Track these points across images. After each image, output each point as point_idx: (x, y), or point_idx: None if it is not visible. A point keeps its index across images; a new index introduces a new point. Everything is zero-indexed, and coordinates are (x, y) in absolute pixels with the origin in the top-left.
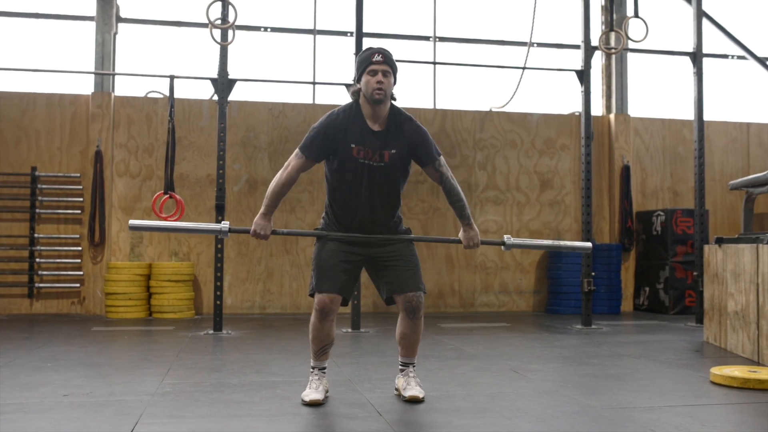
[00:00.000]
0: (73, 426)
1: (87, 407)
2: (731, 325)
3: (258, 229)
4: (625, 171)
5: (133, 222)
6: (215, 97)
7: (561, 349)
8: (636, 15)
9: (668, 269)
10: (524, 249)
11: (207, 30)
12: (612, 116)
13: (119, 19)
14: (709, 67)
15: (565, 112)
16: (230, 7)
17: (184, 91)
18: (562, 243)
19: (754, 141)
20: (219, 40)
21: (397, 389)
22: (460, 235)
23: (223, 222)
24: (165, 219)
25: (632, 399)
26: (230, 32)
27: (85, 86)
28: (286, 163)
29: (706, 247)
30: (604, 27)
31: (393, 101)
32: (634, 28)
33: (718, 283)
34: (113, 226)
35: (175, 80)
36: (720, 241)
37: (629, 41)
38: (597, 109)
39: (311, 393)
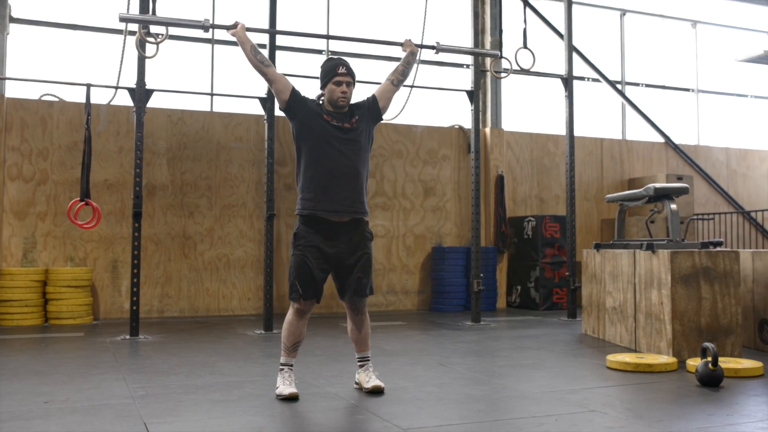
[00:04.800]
0: (87, 429)
1: (81, 412)
2: (609, 319)
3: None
4: (500, 180)
5: (122, 14)
6: (132, 103)
7: (468, 344)
8: (525, 46)
9: (538, 269)
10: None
11: (98, 34)
12: (488, 130)
13: (12, 20)
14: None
15: (446, 125)
16: None
17: (79, 95)
18: (478, 50)
19: (607, 154)
20: (144, 52)
21: (357, 383)
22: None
23: (205, 17)
24: (81, 226)
25: (555, 384)
26: (154, 46)
27: None
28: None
29: (584, 251)
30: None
31: None
32: (523, 57)
33: (596, 283)
34: (5, 231)
35: (66, 85)
36: (598, 247)
37: (517, 67)
38: None
39: (287, 388)
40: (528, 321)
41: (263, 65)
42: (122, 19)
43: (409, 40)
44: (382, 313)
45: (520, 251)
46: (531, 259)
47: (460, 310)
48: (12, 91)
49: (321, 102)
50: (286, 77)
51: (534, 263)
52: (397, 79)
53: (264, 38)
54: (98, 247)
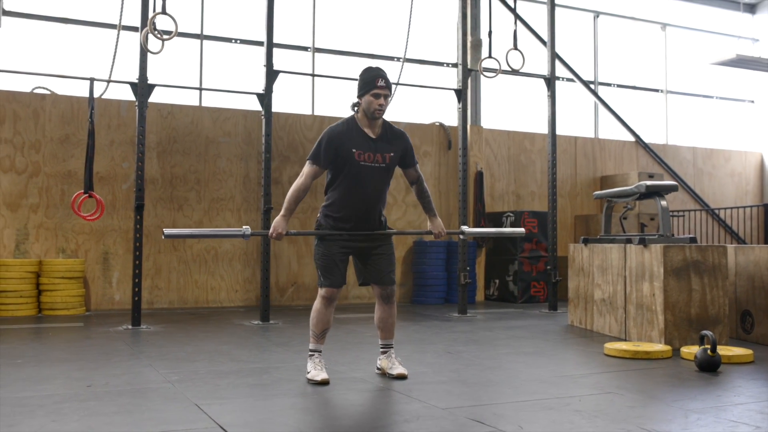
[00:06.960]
0: (144, 409)
1: (128, 395)
2: (598, 310)
3: (276, 226)
4: (479, 176)
5: (168, 231)
6: (134, 97)
7: (464, 334)
8: (515, 47)
9: (517, 263)
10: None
11: (86, 28)
12: (468, 127)
13: (3, 13)
14: (541, 87)
15: (426, 121)
16: (172, 19)
17: (70, 89)
18: (505, 230)
19: (580, 152)
20: (149, 47)
21: (380, 368)
22: (429, 226)
23: (244, 227)
24: (85, 218)
25: (563, 370)
26: (160, 42)
27: None
28: (301, 173)
29: (571, 245)
30: (470, 50)
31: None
32: (513, 57)
33: (583, 276)
34: None
35: (56, 78)
36: (586, 241)
37: (507, 68)
38: (453, 120)
39: (320, 373)
40: (510, 313)
41: (304, 193)
42: (167, 236)
43: (441, 233)
44: (367, 305)
45: (499, 246)
46: (509, 254)
47: (440, 302)
48: (3, 83)
49: (355, 111)
50: (307, 174)
51: (512, 257)
52: (417, 193)
53: (262, 35)
54: (89, 239)
